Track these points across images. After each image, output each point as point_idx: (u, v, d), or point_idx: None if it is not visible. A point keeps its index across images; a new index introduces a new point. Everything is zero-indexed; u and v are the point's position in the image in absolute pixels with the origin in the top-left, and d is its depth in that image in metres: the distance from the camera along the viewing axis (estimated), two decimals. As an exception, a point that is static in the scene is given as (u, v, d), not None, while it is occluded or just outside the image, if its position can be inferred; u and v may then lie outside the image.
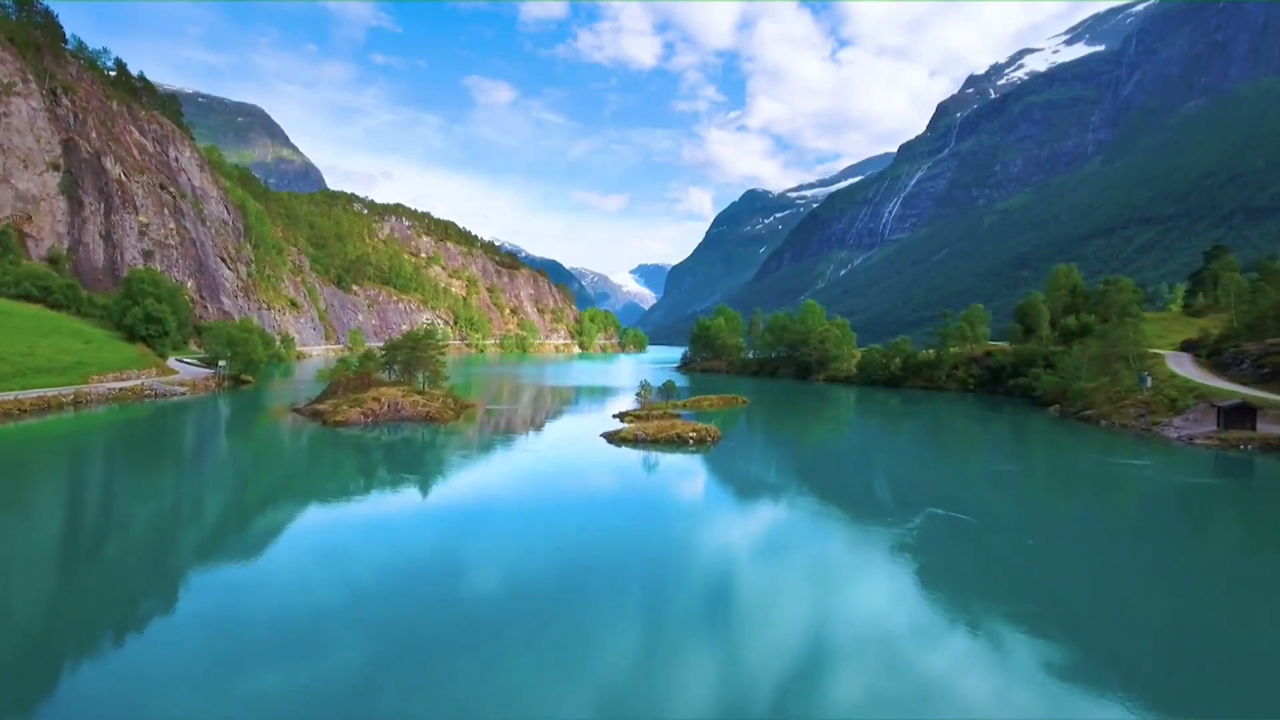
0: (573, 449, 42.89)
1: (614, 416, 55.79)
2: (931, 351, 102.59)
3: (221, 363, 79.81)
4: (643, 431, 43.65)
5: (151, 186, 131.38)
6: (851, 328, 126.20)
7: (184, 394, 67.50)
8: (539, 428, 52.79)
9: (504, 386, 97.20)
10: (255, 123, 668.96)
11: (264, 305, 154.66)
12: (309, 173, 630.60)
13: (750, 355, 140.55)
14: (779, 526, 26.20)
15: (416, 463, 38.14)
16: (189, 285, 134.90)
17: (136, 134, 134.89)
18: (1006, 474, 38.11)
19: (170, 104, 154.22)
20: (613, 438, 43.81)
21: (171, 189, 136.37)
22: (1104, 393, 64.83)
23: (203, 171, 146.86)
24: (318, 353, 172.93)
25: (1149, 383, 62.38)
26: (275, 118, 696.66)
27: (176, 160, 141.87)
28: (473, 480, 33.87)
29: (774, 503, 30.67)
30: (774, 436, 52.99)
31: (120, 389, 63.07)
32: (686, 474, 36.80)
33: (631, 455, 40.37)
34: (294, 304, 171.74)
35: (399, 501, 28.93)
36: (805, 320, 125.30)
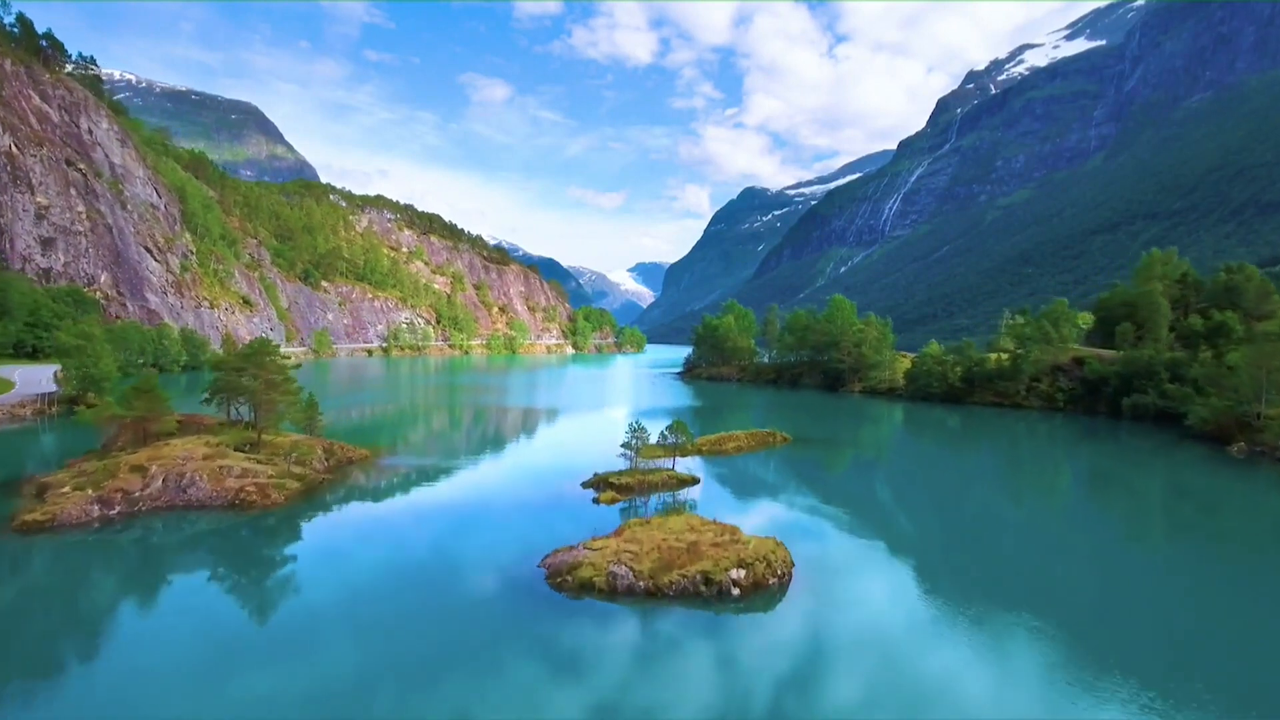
0: (463, 628, 18.18)
1: (586, 488, 31.62)
2: (1003, 357, 78.52)
3: (48, 379, 55.59)
4: (630, 562, 19.38)
5: (54, 162, 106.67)
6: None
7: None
8: (435, 527, 27.40)
9: (448, 412, 72.69)
10: (249, 120, 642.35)
11: (203, 303, 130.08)
12: (303, 170, 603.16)
13: (765, 360, 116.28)
14: None
15: None
16: (102, 279, 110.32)
17: (37, 100, 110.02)
18: None
19: (88, 69, 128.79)
20: (567, 578, 19.44)
21: (82, 166, 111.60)
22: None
23: (125, 148, 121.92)
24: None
25: None
26: (269, 115, 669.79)
27: (90, 133, 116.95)
28: None
29: None
30: (888, 545, 25.59)
31: None
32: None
33: (596, 651, 16.21)
34: (246, 302, 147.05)
35: None
36: (833, 318, 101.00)
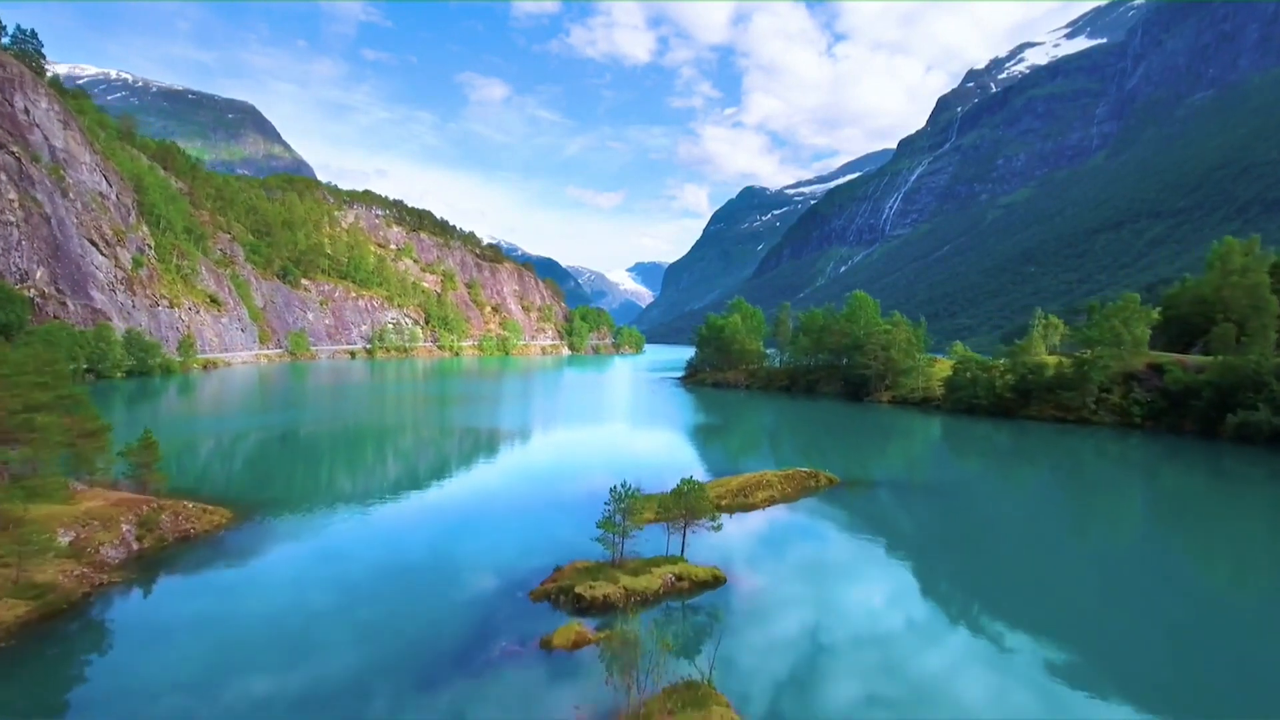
0: None
1: (536, 601, 18.49)
2: (1064, 362, 65.42)
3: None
4: None
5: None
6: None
7: None
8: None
9: (392, 435, 59.38)
10: (246, 120, 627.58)
11: (161, 301, 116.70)
12: (300, 170, 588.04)
13: (777, 364, 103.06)
14: None
15: None
16: (37, 275, 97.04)
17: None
18: None
19: (27, 43, 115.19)
20: None
21: (15, 149, 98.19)
22: None
23: (67, 130, 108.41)
24: (243, 360, 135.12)
25: None
26: (267, 115, 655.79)
27: (27, 113, 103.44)
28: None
29: None
30: None
31: None
32: None
33: None
34: (214, 300, 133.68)
35: None
36: (855, 317, 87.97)
